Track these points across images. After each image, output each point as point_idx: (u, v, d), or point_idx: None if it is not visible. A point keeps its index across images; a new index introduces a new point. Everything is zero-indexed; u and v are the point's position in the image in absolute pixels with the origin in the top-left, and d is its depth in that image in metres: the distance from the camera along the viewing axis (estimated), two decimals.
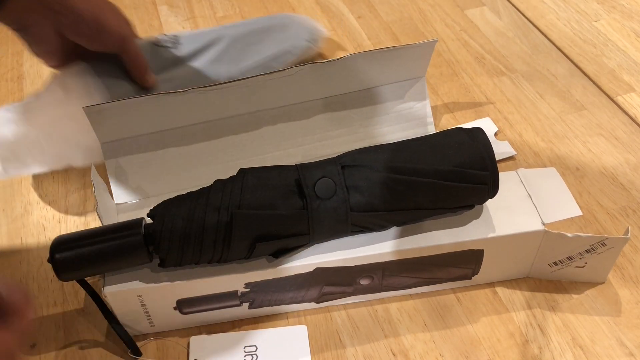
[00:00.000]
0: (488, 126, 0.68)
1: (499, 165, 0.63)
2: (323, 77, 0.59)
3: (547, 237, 0.50)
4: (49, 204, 0.62)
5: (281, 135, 0.60)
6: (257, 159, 0.60)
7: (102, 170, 0.55)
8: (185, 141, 0.58)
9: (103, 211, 0.49)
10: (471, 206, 0.50)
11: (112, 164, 0.57)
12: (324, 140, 0.61)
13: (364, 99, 0.62)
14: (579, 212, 0.51)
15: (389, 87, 0.62)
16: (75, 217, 0.61)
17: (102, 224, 0.50)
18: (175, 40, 0.65)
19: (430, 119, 0.63)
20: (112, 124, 0.55)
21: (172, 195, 0.48)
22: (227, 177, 0.47)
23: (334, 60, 0.57)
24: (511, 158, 0.65)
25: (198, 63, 0.64)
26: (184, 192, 0.47)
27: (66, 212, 0.61)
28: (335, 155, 0.49)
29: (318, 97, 0.61)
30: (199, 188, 0.47)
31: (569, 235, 0.49)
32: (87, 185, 0.64)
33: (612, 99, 0.71)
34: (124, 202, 0.56)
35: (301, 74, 0.57)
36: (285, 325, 0.52)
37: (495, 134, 0.67)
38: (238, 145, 0.59)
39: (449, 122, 0.69)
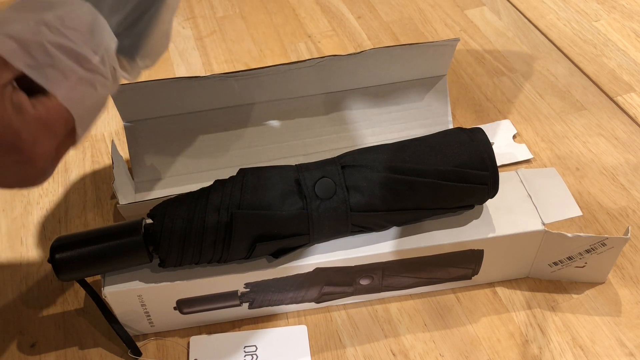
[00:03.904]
0: (507, 128, 0.68)
1: (505, 167, 0.63)
2: (343, 70, 0.59)
3: (547, 237, 0.50)
4: (49, 204, 0.62)
5: (298, 125, 0.61)
6: (274, 147, 0.60)
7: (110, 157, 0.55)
8: (204, 126, 0.59)
9: (120, 187, 0.50)
10: (471, 206, 0.50)
11: (133, 143, 0.58)
12: (341, 132, 0.62)
13: (384, 94, 0.62)
14: (579, 212, 0.51)
15: (409, 84, 0.63)
16: (75, 217, 0.61)
17: (118, 200, 0.51)
18: None
19: (450, 117, 0.63)
20: (134, 105, 0.56)
21: (190, 176, 0.48)
22: (242, 164, 0.47)
23: (355, 53, 0.58)
24: (526, 161, 0.64)
25: None
26: (201, 175, 0.47)
27: (66, 212, 0.61)
28: (341, 153, 0.49)
29: (337, 90, 0.61)
30: (216, 171, 0.47)
31: (569, 235, 0.49)
32: (87, 185, 0.64)
33: (612, 99, 0.71)
34: (143, 180, 0.57)
35: (321, 65, 0.58)
36: (285, 325, 0.52)
37: (514, 137, 0.67)
38: (255, 133, 0.60)
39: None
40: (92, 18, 0.36)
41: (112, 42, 0.37)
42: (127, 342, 0.49)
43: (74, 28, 0.35)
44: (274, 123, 0.61)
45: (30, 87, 0.35)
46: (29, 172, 0.36)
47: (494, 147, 0.49)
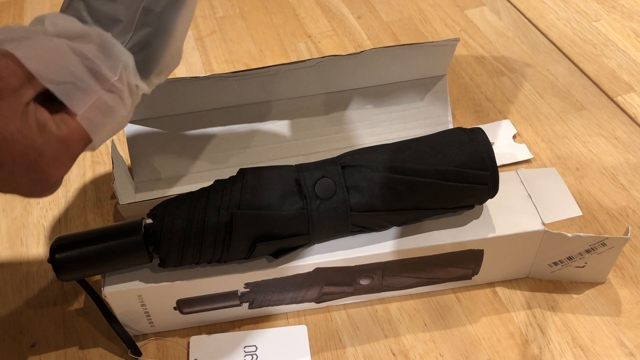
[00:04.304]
0: (508, 128, 0.68)
1: (505, 167, 0.63)
2: (343, 70, 0.60)
3: (547, 237, 0.50)
4: (49, 204, 0.62)
5: (297, 125, 0.61)
6: (274, 147, 0.60)
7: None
8: (204, 126, 0.59)
9: (120, 187, 0.50)
10: (471, 206, 0.50)
11: (133, 143, 0.58)
12: (340, 132, 0.62)
13: (383, 94, 0.62)
14: (579, 212, 0.51)
15: (409, 84, 0.63)
16: (75, 217, 0.61)
17: (118, 200, 0.52)
18: None
19: (450, 117, 0.63)
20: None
21: (190, 176, 0.48)
22: (242, 164, 0.47)
23: (356, 53, 0.58)
24: (526, 161, 0.64)
25: None
26: (201, 175, 0.47)
27: (66, 212, 0.62)
28: (341, 153, 0.49)
29: (337, 90, 0.61)
30: (216, 171, 0.47)
31: (569, 235, 0.49)
32: (87, 185, 0.64)
33: (612, 99, 0.71)
34: (143, 180, 0.57)
35: (321, 65, 0.58)
36: (285, 325, 0.52)
37: (514, 137, 0.67)
38: (255, 133, 0.60)
39: None
40: (102, 38, 0.36)
41: (128, 59, 0.37)
42: (127, 342, 0.49)
43: (91, 48, 0.35)
44: (274, 123, 0.61)
45: (43, 104, 0.35)
46: (41, 188, 0.36)
47: (494, 147, 0.49)
